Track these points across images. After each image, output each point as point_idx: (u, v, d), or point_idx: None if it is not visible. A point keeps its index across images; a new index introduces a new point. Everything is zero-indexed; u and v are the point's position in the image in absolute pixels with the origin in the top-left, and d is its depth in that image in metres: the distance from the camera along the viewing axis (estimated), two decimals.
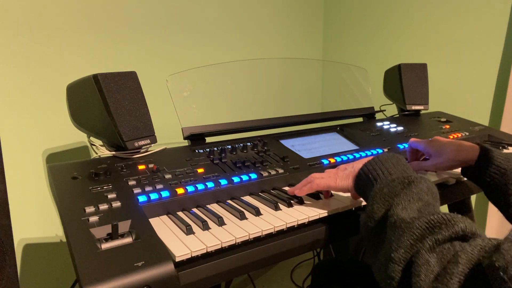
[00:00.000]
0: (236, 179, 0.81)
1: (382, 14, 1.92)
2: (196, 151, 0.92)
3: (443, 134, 1.22)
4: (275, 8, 1.96)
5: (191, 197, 0.74)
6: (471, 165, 0.81)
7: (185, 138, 0.98)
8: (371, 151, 1.04)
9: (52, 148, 1.33)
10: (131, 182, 0.74)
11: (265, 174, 0.85)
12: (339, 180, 0.70)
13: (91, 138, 0.90)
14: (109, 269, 0.51)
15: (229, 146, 0.96)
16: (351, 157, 0.99)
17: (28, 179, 1.28)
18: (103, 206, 0.65)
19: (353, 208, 0.76)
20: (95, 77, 0.80)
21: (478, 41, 1.57)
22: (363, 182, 0.64)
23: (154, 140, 0.88)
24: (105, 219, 0.62)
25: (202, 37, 1.68)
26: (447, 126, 1.31)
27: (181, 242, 0.60)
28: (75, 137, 1.35)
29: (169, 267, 0.53)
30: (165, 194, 0.72)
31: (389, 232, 0.51)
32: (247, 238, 0.63)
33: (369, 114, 1.35)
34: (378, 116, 1.40)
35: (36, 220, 1.32)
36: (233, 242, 0.61)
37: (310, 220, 0.70)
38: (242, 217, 0.69)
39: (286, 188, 0.85)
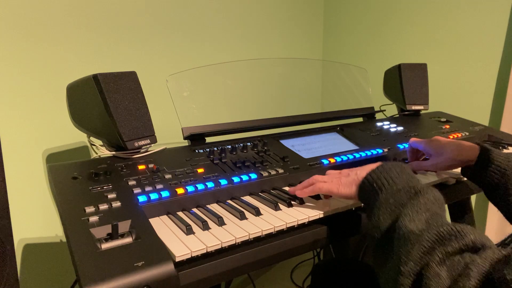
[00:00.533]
0: (236, 179, 0.81)
1: (382, 14, 1.92)
2: (196, 151, 0.92)
3: (443, 134, 1.22)
4: (275, 8, 1.96)
5: (191, 197, 0.74)
6: (471, 165, 0.81)
7: (185, 138, 0.98)
8: (371, 151, 1.04)
9: (52, 148, 1.33)
10: (131, 182, 0.74)
11: (265, 174, 0.85)
12: (341, 187, 0.69)
13: (91, 138, 0.90)
14: (109, 269, 0.51)
15: (229, 146, 0.96)
16: (351, 157, 0.99)
17: (28, 179, 1.28)
18: (103, 206, 0.65)
19: (353, 208, 0.76)
20: (95, 77, 0.80)
21: (478, 41, 1.58)
22: (367, 191, 0.63)
23: (154, 140, 0.88)
24: (105, 219, 0.62)
25: (202, 37, 1.68)
26: (447, 126, 1.31)
27: (181, 242, 0.60)
28: (75, 137, 1.35)
29: (169, 267, 0.53)
30: (165, 194, 0.72)
31: (397, 244, 0.50)
32: (247, 238, 0.63)
33: (369, 114, 1.35)
34: (378, 116, 1.40)
35: (36, 220, 1.32)
36: (233, 242, 0.61)
37: (310, 220, 0.70)
38: (242, 217, 0.69)
39: (286, 188, 0.85)
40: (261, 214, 0.71)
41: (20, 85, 1.23)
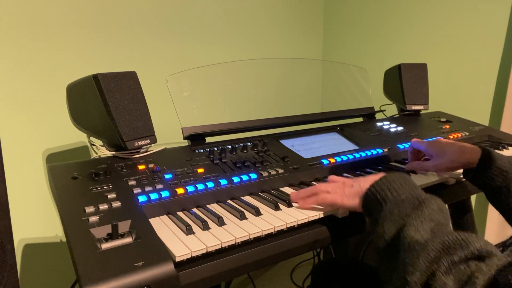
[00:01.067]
0: (236, 179, 0.81)
1: (382, 14, 1.92)
2: (196, 151, 0.92)
3: (443, 134, 1.22)
4: (275, 8, 1.96)
5: (191, 197, 0.74)
6: (472, 167, 0.81)
7: (185, 138, 0.98)
8: (371, 151, 1.04)
9: (52, 148, 1.33)
10: (131, 182, 0.74)
11: (265, 174, 0.85)
12: (345, 198, 0.68)
13: (91, 138, 0.90)
14: (109, 269, 0.51)
15: (229, 146, 0.96)
16: (351, 157, 0.99)
17: (28, 179, 1.28)
18: (103, 206, 0.65)
19: None
20: (95, 77, 0.80)
21: (478, 41, 1.58)
22: (371, 203, 0.63)
23: (154, 140, 0.88)
24: (105, 219, 0.62)
25: (202, 37, 1.68)
26: (447, 126, 1.31)
27: (181, 242, 0.60)
28: (75, 137, 1.35)
29: (169, 267, 0.53)
30: (165, 194, 0.72)
31: (402, 254, 0.50)
32: (247, 238, 0.63)
33: (369, 114, 1.35)
34: (378, 116, 1.40)
35: (36, 220, 1.32)
36: (233, 242, 0.61)
37: (310, 220, 0.70)
38: (242, 217, 0.69)
39: (286, 188, 0.85)
40: (261, 214, 0.71)
41: (20, 85, 1.23)
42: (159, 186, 0.74)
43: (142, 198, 0.69)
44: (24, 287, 1.31)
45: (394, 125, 1.26)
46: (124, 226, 0.60)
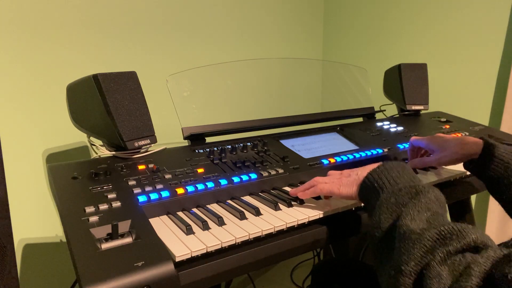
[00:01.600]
0: (236, 179, 0.81)
1: (382, 14, 1.92)
2: (196, 151, 0.92)
3: None
4: (275, 8, 1.96)
5: (191, 197, 0.74)
6: (474, 159, 0.80)
7: (185, 138, 0.98)
8: (371, 151, 1.04)
9: (52, 148, 1.33)
10: (131, 182, 0.74)
11: (265, 174, 0.85)
12: (342, 187, 0.69)
13: (91, 138, 0.90)
14: (109, 269, 0.51)
15: (229, 146, 0.96)
16: (351, 157, 0.99)
17: (28, 179, 1.28)
18: (103, 206, 0.65)
19: (353, 208, 0.76)
20: (95, 77, 0.80)
21: (478, 41, 1.58)
22: (368, 191, 0.63)
23: (154, 140, 0.88)
24: (105, 219, 0.62)
25: (202, 37, 1.68)
26: (447, 126, 1.31)
27: (181, 242, 0.60)
28: (75, 137, 1.35)
29: (169, 267, 0.53)
30: (165, 194, 0.72)
31: (398, 243, 0.50)
32: (247, 238, 0.63)
33: (369, 114, 1.35)
34: (378, 116, 1.40)
35: (36, 220, 1.32)
36: (233, 242, 0.61)
37: (310, 220, 0.70)
38: (242, 217, 0.69)
39: (286, 188, 0.85)
40: (261, 214, 0.71)
41: (20, 85, 1.23)
42: (159, 186, 0.74)
43: (142, 198, 0.69)
44: (24, 287, 1.31)
45: (394, 125, 1.26)
46: (124, 226, 0.60)
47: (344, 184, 0.69)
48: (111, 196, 0.69)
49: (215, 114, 1.05)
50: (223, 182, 0.79)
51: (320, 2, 2.18)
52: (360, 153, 1.02)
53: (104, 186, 0.71)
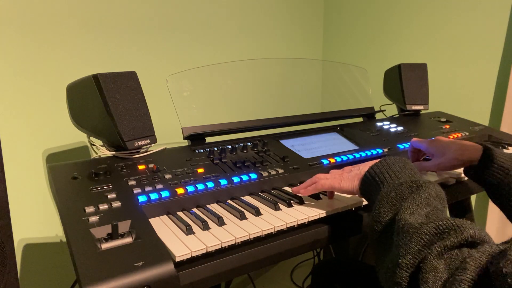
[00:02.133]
0: (236, 179, 0.81)
1: (382, 14, 1.92)
2: (196, 151, 0.92)
3: (443, 134, 1.22)
4: (275, 8, 1.96)
5: (191, 197, 0.74)
6: (474, 165, 0.80)
7: (185, 138, 0.98)
8: (371, 151, 1.04)
9: (52, 148, 1.32)
10: (131, 182, 0.74)
11: (265, 174, 0.85)
12: (343, 181, 0.69)
13: (91, 138, 0.90)
14: (109, 269, 0.51)
15: (229, 146, 0.96)
16: (351, 157, 0.99)
17: (28, 179, 1.28)
18: (103, 206, 0.65)
19: (353, 208, 0.76)
20: (95, 77, 0.80)
21: (478, 41, 1.58)
22: (369, 185, 0.64)
23: (154, 140, 0.88)
24: (105, 219, 0.62)
25: (202, 37, 1.68)
26: (447, 126, 1.31)
27: (181, 242, 0.60)
28: (75, 137, 1.35)
29: (169, 267, 0.53)
30: (165, 194, 0.72)
31: (396, 237, 0.50)
32: (247, 238, 0.63)
33: (369, 114, 1.35)
34: (378, 116, 1.40)
35: (36, 220, 1.32)
36: (233, 242, 0.61)
37: (310, 220, 0.70)
38: (242, 217, 0.69)
39: (286, 188, 0.85)
40: (261, 214, 0.71)
41: (20, 85, 1.23)
42: (159, 186, 0.74)
43: (142, 198, 0.69)
44: (24, 287, 1.31)
45: (394, 125, 1.26)
46: (124, 226, 0.60)
47: (345, 179, 0.70)
48: (111, 196, 0.69)
49: (215, 114, 1.05)
50: (223, 182, 0.79)
51: (320, 2, 2.18)
52: (360, 153, 1.02)
53: (104, 186, 0.71)
